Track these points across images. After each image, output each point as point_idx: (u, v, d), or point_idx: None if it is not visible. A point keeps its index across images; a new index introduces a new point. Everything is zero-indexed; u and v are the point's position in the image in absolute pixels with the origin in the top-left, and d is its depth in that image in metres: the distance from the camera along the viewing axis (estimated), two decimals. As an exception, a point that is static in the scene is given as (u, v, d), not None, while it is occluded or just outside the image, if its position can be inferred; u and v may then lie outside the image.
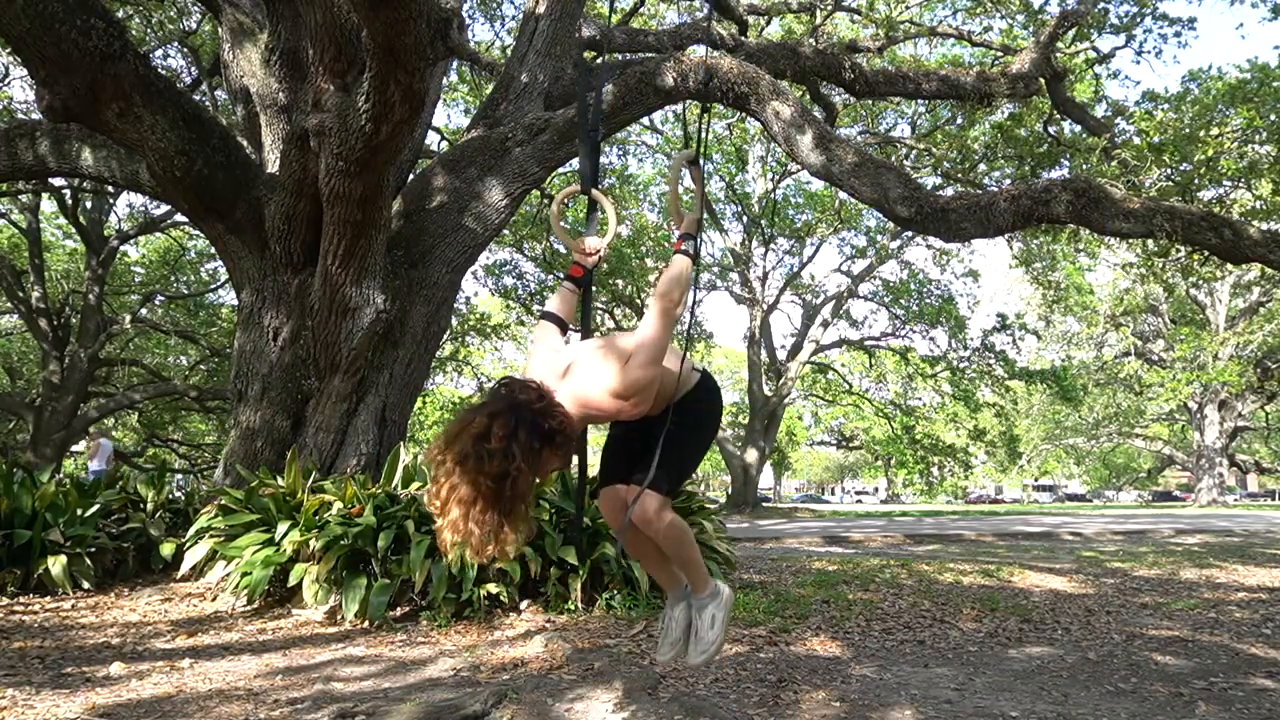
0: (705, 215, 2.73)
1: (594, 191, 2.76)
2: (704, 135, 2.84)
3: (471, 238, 7.16)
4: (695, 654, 2.52)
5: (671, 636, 2.58)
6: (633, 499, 2.32)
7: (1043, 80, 9.54)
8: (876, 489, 65.26)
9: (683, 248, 2.48)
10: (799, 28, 14.57)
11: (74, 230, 17.84)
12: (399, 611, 4.82)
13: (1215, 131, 10.16)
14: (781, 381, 24.23)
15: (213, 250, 13.08)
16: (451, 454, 2.03)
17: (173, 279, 20.97)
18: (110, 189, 15.78)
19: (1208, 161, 9.77)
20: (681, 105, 8.31)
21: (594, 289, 2.82)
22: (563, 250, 17.22)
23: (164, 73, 9.68)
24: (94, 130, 6.30)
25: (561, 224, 2.97)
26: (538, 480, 2.19)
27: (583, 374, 2.27)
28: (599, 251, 2.69)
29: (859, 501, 58.50)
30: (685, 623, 2.57)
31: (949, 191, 12.66)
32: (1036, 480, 54.47)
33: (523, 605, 4.89)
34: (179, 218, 16.54)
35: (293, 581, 4.85)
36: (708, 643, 2.50)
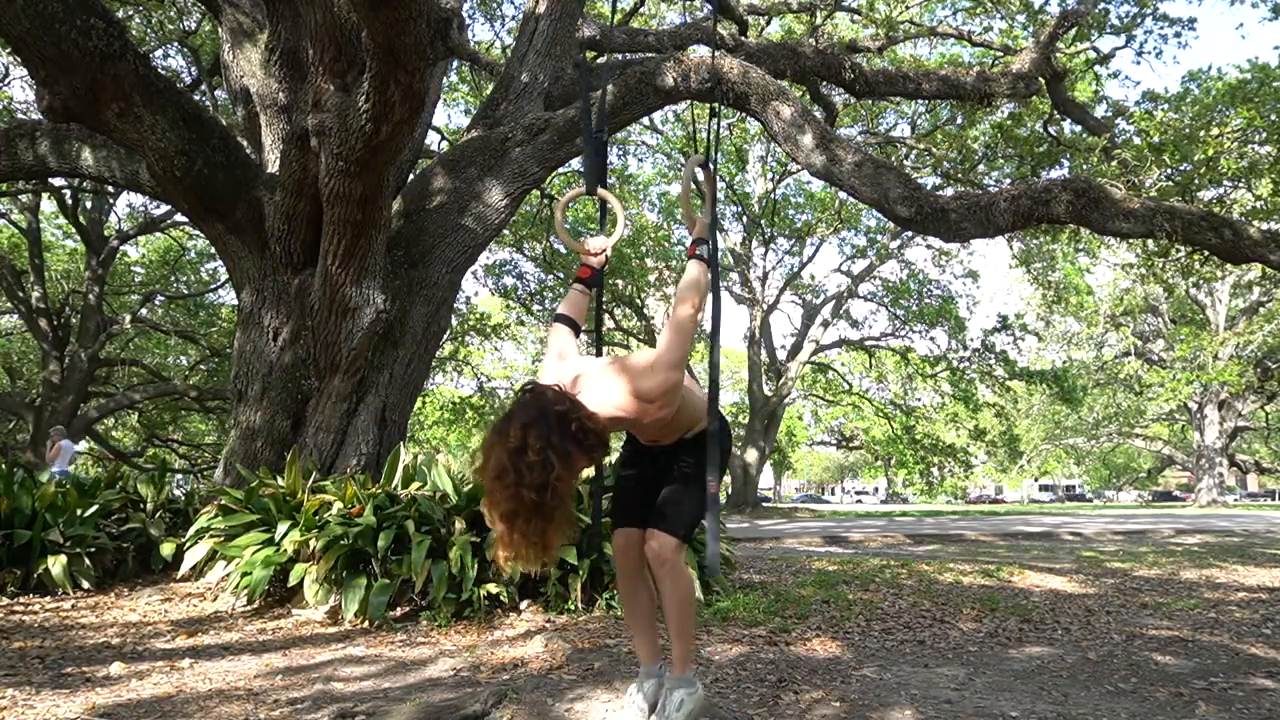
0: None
1: (600, 191, 2.76)
2: (710, 137, 2.83)
3: (471, 238, 7.17)
4: None
5: (635, 705, 2.52)
6: (658, 545, 2.35)
7: (1043, 80, 9.54)
8: (876, 489, 65.27)
9: (696, 253, 2.47)
10: (799, 28, 14.58)
11: (74, 230, 17.84)
12: (399, 611, 4.82)
13: (1215, 131, 10.16)
14: (781, 381, 24.23)
15: (213, 250, 13.08)
16: (490, 470, 2.02)
17: (173, 279, 20.98)
18: (110, 189, 15.79)
19: (1208, 161, 9.77)
20: (687, 105, 8.32)
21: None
22: (563, 250, 17.22)
23: (164, 73, 9.69)
24: (94, 130, 6.30)
25: (564, 226, 2.97)
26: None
27: (600, 383, 2.26)
28: (605, 251, 2.68)
29: (859, 501, 58.52)
30: (653, 699, 2.51)
31: (949, 191, 12.67)
32: (1037, 480, 54.51)
33: (523, 605, 4.89)
34: (179, 218, 16.55)
35: (293, 581, 4.85)
36: None
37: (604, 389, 2.23)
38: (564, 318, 2.57)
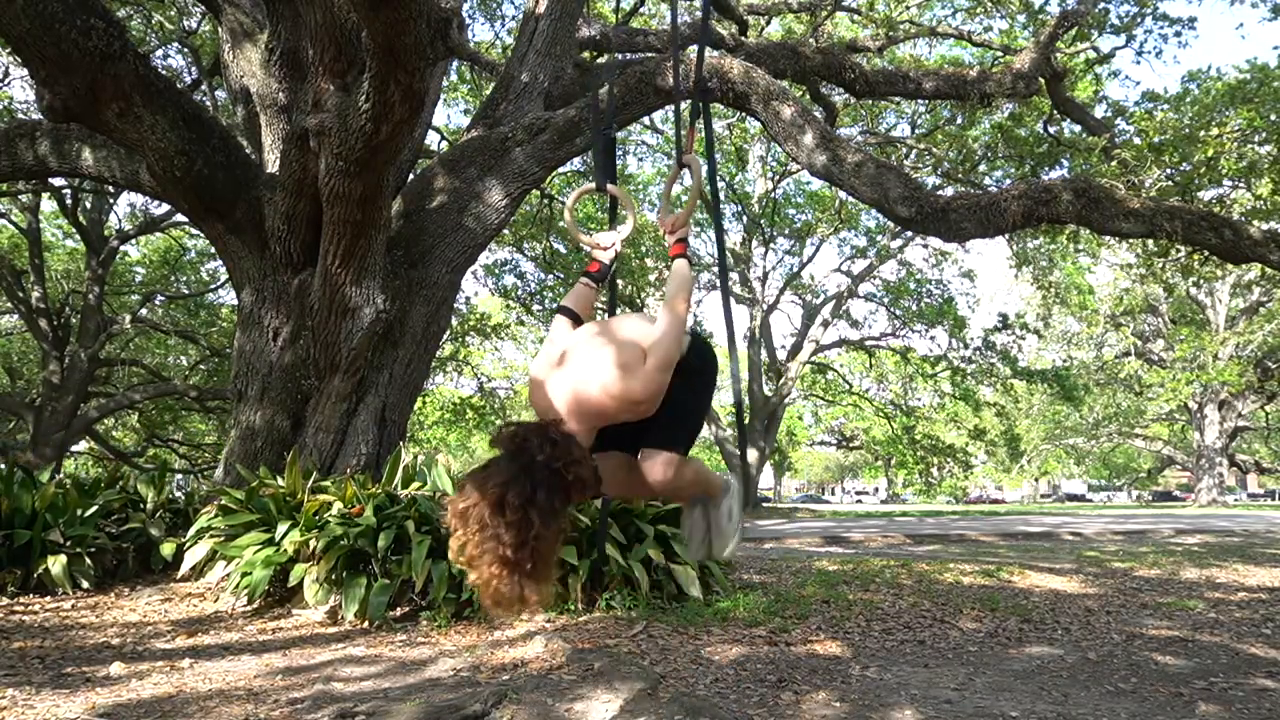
0: (702, 213, 2.75)
1: (610, 187, 2.76)
2: (702, 133, 2.83)
3: (471, 238, 7.16)
4: (720, 548, 2.55)
5: (697, 538, 2.58)
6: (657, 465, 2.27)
7: (1043, 80, 9.54)
8: (876, 489, 65.26)
9: (685, 251, 2.50)
10: (799, 28, 14.58)
11: (74, 230, 17.83)
12: (399, 611, 4.82)
13: (1215, 132, 10.16)
14: (781, 381, 24.23)
15: (213, 250, 13.07)
16: (469, 525, 1.91)
17: (173, 279, 20.96)
18: (110, 189, 15.78)
19: (1208, 161, 9.76)
20: (687, 105, 8.31)
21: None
22: (563, 250, 17.22)
23: (164, 73, 9.68)
24: (94, 130, 6.30)
25: (573, 222, 2.95)
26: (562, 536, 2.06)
27: (586, 370, 2.20)
28: (615, 245, 2.68)
29: (859, 502, 58.51)
30: (705, 524, 2.56)
31: (949, 191, 12.66)
32: (1037, 480, 54.47)
33: (523, 605, 4.89)
34: (179, 218, 16.52)
35: (293, 581, 4.85)
36: (729, 534, 2.54)
37: (590, 383, 2.18)
38: (567, 310, 2.55)
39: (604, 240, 2.66)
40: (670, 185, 2.73)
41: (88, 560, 5.69)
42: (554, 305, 20.52)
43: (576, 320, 2.55)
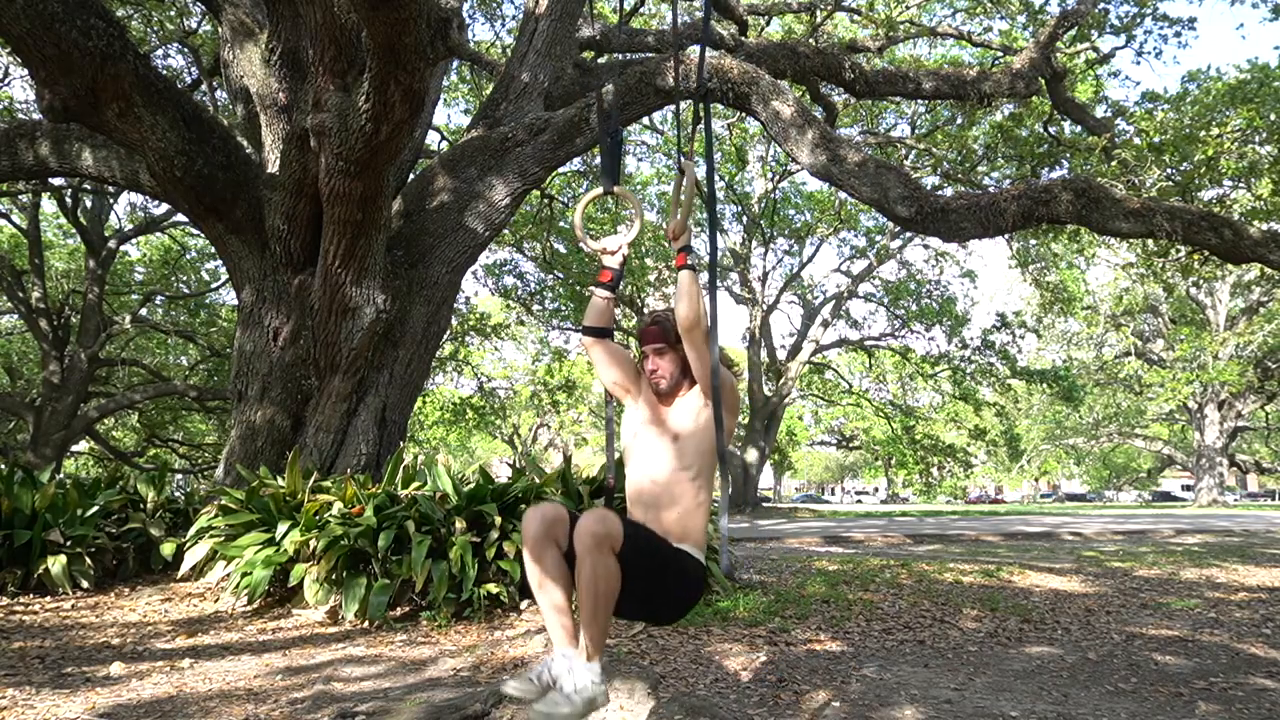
0: (701, 212, 2.74)
1: (617, 188, 2.77)
2: (693, 134, 2.81)
3: (471, 238, 7.17)
4: (545, 705, 2.24)
5: (542, 680, 2.31)
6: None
7: (1043, 80, 9.54)
8: (876, 489, 65.26)
9: (688, 262, 2.46)
10: (799, 28, 14.58)
11: (74, 230, 17.82)
12: (399, 611, 4.82)
13: (1215, 132, 10.16)
14: (781, 381, 24.23)
15: (213, 250, 13.08)
16: None
17: (173, 279, 20.95)
18: (110, 189, 15.78)
19: (1208, 161, 9.77)
20: (687, 105, 8.30)
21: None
22: (563, 250, 17.23)
23: (164, 73, 9.67)
24: (94, 130, 6.30)
25: (582, 227, 2.94)
26: None
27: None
28: (621, 248, 2.68)
29: (859, 502, 58.51)
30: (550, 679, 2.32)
31: (949, 191, 12.67)
32: (1037, 480, 54.41)
33: (523, 605, 4.89)
34: (179, 218, 16.53)
35: (293, 581, 4.85)
36: (560, 702, 2.24)
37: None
38: (591, 329, 2.58)
39: (610, 245, 2.67)
40: (676, 191, 2.73)
41: (88, 560, 5.69)
42: (554, 306, 20.51)
43: (608, 335, 2.57)
